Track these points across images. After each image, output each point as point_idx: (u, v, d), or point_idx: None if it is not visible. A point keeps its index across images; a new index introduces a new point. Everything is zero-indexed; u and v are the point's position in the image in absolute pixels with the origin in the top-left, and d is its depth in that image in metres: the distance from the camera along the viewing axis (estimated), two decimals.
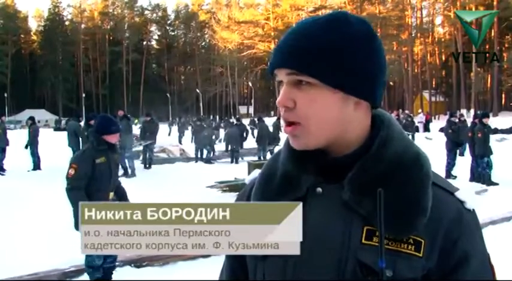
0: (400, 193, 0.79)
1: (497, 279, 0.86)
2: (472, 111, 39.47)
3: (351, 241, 0.80)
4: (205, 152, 15.25)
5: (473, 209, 0.84)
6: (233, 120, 23.26)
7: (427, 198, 0.79)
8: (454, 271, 0.80)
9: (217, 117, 64.43)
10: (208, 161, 14.98)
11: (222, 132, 22.19)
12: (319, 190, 0.84)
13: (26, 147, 12.92)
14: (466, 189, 0.86)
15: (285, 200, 0.85)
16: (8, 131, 13.63)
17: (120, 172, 11.68)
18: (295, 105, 0.81)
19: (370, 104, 0.85)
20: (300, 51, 0.81)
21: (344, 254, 0.79)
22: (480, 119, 10.36)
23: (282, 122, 0.86)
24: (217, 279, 1.04)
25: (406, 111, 40.34)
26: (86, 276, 4.28)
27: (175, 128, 29.76)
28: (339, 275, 0.79)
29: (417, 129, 23.82)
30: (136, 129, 14.63)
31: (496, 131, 10.58)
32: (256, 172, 0.99)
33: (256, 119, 22.21)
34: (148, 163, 13.22)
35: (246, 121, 32.43)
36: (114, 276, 4.34)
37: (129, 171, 11.68)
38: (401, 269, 0.77)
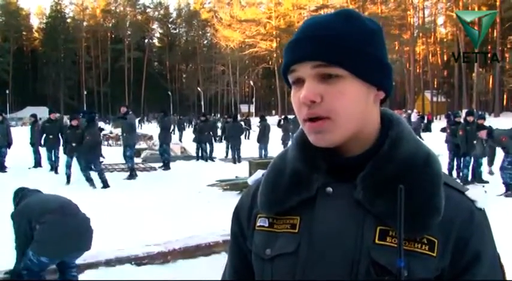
0: (414, 192, 0.78)
1: (507, 280, 0.85)
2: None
3: (364, 241, 0.78)
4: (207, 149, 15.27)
5: (484, 209, 0.84)
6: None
7: (440, 197, 0.79)
8: (466, 271, 0.79)
9: (218, 115, 64.50)
10: (208, 158, 14.95)
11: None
12: (330, 189, 0.83)
13: (32, 144, 12.96)
14: (476, 188, 0.90)
15: (294, 200, 0.85)
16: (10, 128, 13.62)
17: (126, 174, 11.68)
18: (322, 100, 0.78)
19: (386, 95, 0.85)
20: (329, 42, 0.78)
21: (357, 254, 0.78)
22: (465, 117, 10.44)
23: (301, 118, 0.82)
24: (220, 279, 1.03)
25: (409, 111, 40.37)
26: (84, 275, 4.29)
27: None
28: (352, 275, 0.78)
29: None
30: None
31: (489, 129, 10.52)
32: (259, 173, 0.97)
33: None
34: (164, 163, 13.17)
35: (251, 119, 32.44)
36: (114, 274, 4.36)
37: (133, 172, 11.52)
38: (416, 269, 0.76)
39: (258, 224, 0.90)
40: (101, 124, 22.51)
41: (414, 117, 33.58)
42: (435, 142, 14.66)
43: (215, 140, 15.75)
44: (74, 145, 10.11)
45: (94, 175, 10.07)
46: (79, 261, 4.49)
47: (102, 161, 12.36)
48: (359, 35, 0.80)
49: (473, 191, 0.84)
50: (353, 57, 0.78)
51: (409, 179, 0.80)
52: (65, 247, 3.67)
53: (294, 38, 0.83)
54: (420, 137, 14.94)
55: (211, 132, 15.86)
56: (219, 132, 21.31)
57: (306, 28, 0.82)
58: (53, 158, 12.04)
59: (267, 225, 0.89)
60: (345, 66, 0.78)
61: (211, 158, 15.09)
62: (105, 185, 9.90)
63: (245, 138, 20.75)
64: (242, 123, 20.24)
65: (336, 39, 0.78)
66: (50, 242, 3.57)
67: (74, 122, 10.67)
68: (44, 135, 12.18)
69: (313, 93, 0.78)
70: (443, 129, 13.67)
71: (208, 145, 15.25)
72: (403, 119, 0.89)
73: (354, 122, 0.80)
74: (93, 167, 10.16)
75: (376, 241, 0.78)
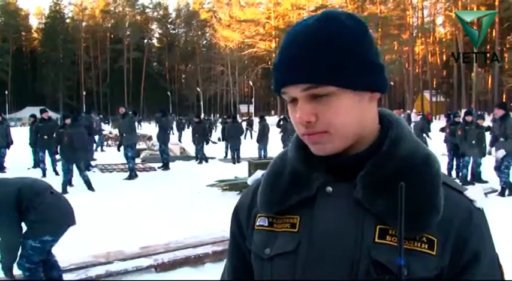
0: (413, 191, 0.78)
1: (506, 279, 0.85)
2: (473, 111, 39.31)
3: (364, 240, 0.78)
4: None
5: (482, 208, 0.84)
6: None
7: (439, 197, 0.79)
8: (465, 271, 0.79)
9: (218, 115, 64.54)
10: (202, 159, 14.85)
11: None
12: (329, 189, 0.83)
13: (31, 145, 12.90)
14: (474, 188, 0.90)
15: (294, 199, 0.85)
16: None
17: (125, 174, 11.67)
18: (317, 119, 0.79)
19: (381, 93, 0.85)
20: (314, 62, 0.77)
21: (357, 253, 0.78)
22: (463, 117, 10.43)
23: (299, 133, 0.84)
24: (219, 279, 1.03)
25: (408, 111, 40.36)
26: (84, 275, 4.29)
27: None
28: (352, 275, 0.78)
29: None
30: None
31: (488, 129, 10.49)
32: (259, 173, 0.98)
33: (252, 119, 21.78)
34: (163, 164, 13.10)
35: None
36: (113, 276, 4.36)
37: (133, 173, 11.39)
38: (416, 268, 0.76)
39: (257, 223, 0.90)
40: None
41: (414, 117, 33.58)
42: (435, 141, 14.65)
43: (207, 142, 15.50)
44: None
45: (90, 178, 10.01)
46: (78, 261, 4.49)
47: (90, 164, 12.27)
48: (343, 42, 0.78)
49: (471, 191, 0.84)
50: (340, 72, 0.77)
51: (409, 178, 0.79)
52: (63, 222, 3.85)
53: (280, 58, 0.82)
54: (428, 136, 14.89)
55: (207, 133, 15.70)
56: (218, 133, 21.29)
57: (289, 46, 0.81)
58: (46, 160, 11.52)
59: (266, 224, 0.89)
60: (333, 84, 0.77)
61: (200, 159, 14.95)
62: (64, 189, 9.17)
63: (245, 138, 20.71)
64: (244, 123, 20.21)
65: (321, 57, 0.77)
66: (51, 220, 3.70)
67: (68, 121, 10.16)
68: (38, 136, 11.55)
69: (307, 114, 0.78)
70: (442, 129, 13.65)
71: (198, 145, 15.12)
72: (402, 119, 0.89)
73: (352, 131, 0.81)
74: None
75: (376, 240, 0.78)
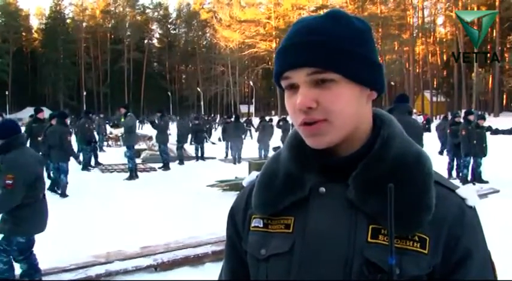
0: (405, 191, 0.79)
1: (497, 277, 0.86)
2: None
3: (357, 240, 0.79)
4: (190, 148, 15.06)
5: (475, 206, 0.84)
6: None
7: (431, 195, 0.80)
8: (457, 269, 0.80)
9: (218, 115, 64.53)
10: (200, 158, 14.87)
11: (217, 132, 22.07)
12: (323, 189, 0.84)
13: (31, 145, 12.78)
14: (467, 187, 0.90)
15: (288, 200, 0.86)
16: None
17: (126, 174, 11.65)
18: (318, 105, 0.79)
19: (378, 94, 0.86)
20: (322, 47, 0.79)
21: (350, 253, 0.79)
22: (465, 117, 10.40)
23: (297, 123, 0.83)
24: (217, 279, 1.04)
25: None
26: (83, 274, 4.28)
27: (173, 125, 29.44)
28: (345, 274, 0.78)
29: None
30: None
31: (489, 129, 10.50)
32: (254, 174, 0.98)
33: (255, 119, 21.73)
34: (163, 164, 13.07)
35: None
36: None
37: (133, 173, 11.33)
38: (408, 267, 0.77)
39: (252, 225, 0.91)
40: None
41: (414, 117, 33.49)
42: (435, 141, 14.64)
43: (196, 142, 15.46)
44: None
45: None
46: (78, 261, 4.49)
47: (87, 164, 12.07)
48: (350, 37, 0.80)
49: (464, 189, 0.85)
50: (346, 61, 0.79)
51: (401, 177, 0.80)
52: (39, 227, 3.85)
53: (286, 43, 0.82)
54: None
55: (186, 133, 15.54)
56: (218, 133, 21.29)
57: (297, 33, 0.82)
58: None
59: (261, 226, 0.89)
60: (338, 71, 0.79)
61: (202, 159, 14.98)
62: (55, 190, 8.97)
63: (245, 138, 20.72)
64: (244, 124, 20.21)
65: (329, 44, 0.79)
66: (36, 220, 3.74)
67: (53, 121, 9.72)
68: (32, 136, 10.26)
69: (309, 99, 0.78)
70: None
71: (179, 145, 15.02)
72: (394, 119, 0.90)
73: (349, 123, 0.81)
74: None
75: (369, 240, 0.79)
